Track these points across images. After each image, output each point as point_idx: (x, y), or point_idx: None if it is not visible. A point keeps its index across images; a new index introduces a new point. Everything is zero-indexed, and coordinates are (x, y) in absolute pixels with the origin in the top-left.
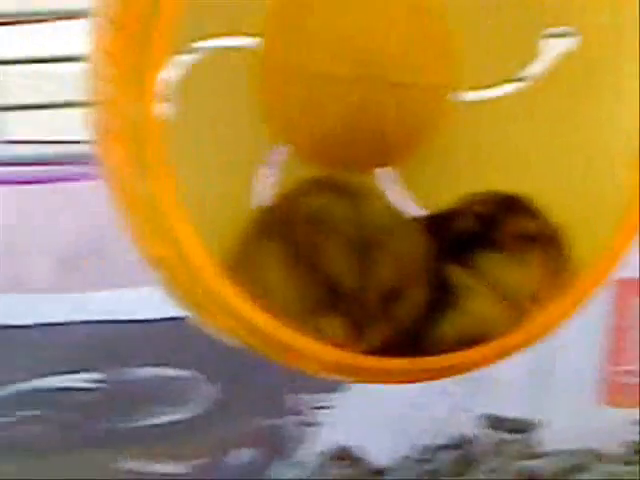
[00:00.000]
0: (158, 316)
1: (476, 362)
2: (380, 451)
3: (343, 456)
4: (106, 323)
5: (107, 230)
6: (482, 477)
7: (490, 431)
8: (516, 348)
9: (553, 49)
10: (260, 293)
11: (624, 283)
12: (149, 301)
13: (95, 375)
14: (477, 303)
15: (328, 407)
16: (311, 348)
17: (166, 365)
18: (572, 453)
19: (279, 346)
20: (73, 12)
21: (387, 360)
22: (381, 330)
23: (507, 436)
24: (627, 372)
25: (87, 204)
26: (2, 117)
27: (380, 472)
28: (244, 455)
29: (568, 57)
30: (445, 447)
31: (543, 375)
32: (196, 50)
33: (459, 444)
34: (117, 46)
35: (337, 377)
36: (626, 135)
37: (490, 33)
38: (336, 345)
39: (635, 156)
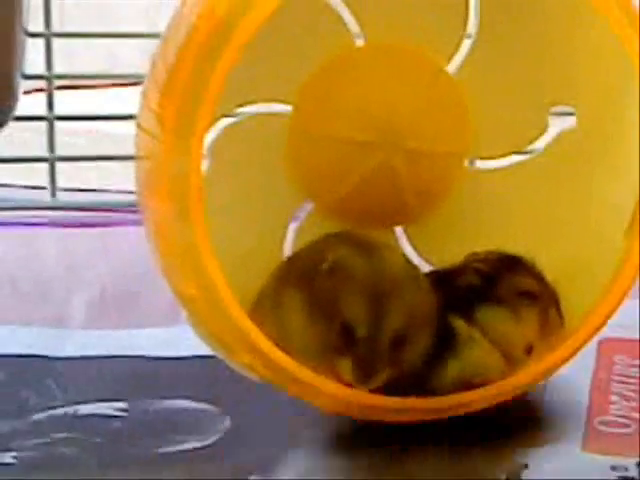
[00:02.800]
0: (185, 353)
1: (471, 404)
2: None
3: None
4: (135, 358)
5: (142, 272)
6: None
7: None
8: (509, 393)
9: (556, 125)
10: (282, 335)
11: (609, 341)
12: (177, 340)
13: (122, 404)
14: (476, 352)
15: None
16: (325, 386)
17: (187, 398)
18: None
19: (296, 383)
20: (127, 76)
21: (393, 399)
22: (389, 372)
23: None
24: (608, 422)
25: (126, 248)
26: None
27: None
28: None
29: (569, 133)
30: None
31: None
32: (235, 114)
33: None
34: (164, 109)
35: (346, 413)
36: (617, 207)
37: (502, 108)
38: (347, 384)
39: (623, 225)
